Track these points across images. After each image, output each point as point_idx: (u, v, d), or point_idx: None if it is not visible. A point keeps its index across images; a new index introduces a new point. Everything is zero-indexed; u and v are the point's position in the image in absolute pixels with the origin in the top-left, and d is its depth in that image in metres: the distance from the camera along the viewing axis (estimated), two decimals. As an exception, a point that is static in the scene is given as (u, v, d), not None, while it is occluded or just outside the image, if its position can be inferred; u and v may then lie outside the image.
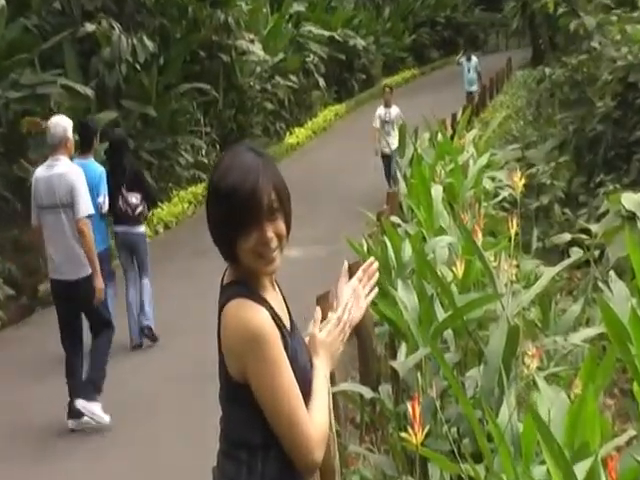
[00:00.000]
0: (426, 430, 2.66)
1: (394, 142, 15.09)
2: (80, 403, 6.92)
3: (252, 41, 18.68)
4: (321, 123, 24.77)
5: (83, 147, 8.20)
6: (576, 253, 7.74)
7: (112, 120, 13.75)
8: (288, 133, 22.47)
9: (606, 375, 3.72)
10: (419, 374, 4.74)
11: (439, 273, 5.15)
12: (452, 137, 13.14)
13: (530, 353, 3.45)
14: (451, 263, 5.47)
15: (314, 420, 2.35)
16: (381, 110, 15.54)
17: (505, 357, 4.13)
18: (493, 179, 11.17)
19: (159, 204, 14.58)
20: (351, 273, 2.67)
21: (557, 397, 3.51)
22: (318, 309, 2.59)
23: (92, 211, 7.02)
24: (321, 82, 25.13)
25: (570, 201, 13.20)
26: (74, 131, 7.20)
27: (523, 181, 4.53)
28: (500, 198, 10.38)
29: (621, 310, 3.88)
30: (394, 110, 15.48)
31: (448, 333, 4.86)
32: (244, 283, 2.37)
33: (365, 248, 7.19)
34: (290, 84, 22.56)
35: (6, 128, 11.92)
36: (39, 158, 9.72)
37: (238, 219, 2.32)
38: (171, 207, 15.18)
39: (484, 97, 25.28)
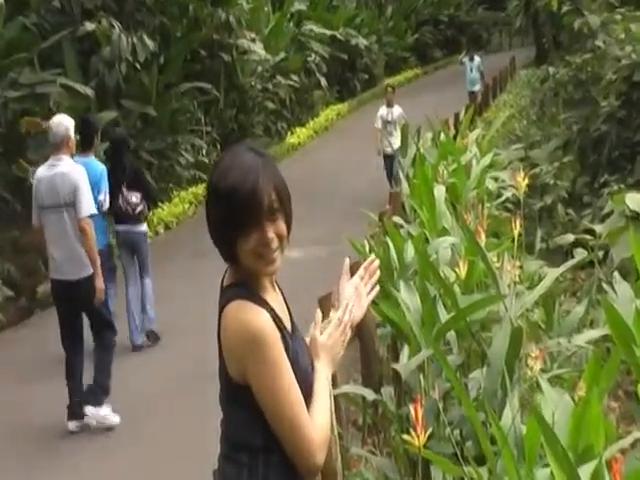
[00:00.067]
0: (428, 432, 2.64)
1: (396, 142, 15.05)
2: (89, 410, 6.93)
3: (253, 40, 18.66)
4: (323, 123, 24.74)
5: (84, 145, 8.15)
6: (580, 254, 7.70)
7: (112, 120, 13.71)
8: (289, 133, 22.45)
9: (610, 377, 3.68)
10: (421, 376, 4.72)
11: (442, 274, 5.11)
12: (455, 137, 13.10)
13: (533, 355, 3.42)
14: (454, 264, 5.43)
15: (315, 422, 2.34)
16: (383, 110, 15.52)
17: (508, 359, 4.10)
18: (496, 179, 11.12)
19: (160, 204, 14.58)
20: (352, 273, 2.67)
21: (561, 399, 3.48)
22: (318, 311, 2.58)
23: (94, 211, 6.99)
24: (323, 81, 25.11)
25: (574, 201, 13.14)
26: (75, 129, 7.17)
27: (526, 181, 4.48)
28: (503, 198, 10.32)
29: (625, 311, 3.86)
30: (396, 110, 15.46)
31: (451, 335, 4.83)
32: (244, 284, 2.36)
33: (367, 249, 7.16)
34: (291, 83, 22.55)
35: (5, 128, 11.86)
36: (39, 158, 9.68)
37: (238, 219, 2.30)
38: (172, 207, 15.14)
39: (487, 96, 25.28)
